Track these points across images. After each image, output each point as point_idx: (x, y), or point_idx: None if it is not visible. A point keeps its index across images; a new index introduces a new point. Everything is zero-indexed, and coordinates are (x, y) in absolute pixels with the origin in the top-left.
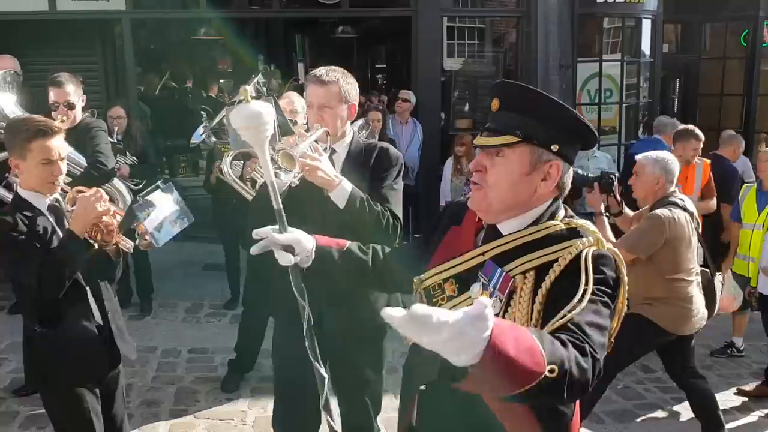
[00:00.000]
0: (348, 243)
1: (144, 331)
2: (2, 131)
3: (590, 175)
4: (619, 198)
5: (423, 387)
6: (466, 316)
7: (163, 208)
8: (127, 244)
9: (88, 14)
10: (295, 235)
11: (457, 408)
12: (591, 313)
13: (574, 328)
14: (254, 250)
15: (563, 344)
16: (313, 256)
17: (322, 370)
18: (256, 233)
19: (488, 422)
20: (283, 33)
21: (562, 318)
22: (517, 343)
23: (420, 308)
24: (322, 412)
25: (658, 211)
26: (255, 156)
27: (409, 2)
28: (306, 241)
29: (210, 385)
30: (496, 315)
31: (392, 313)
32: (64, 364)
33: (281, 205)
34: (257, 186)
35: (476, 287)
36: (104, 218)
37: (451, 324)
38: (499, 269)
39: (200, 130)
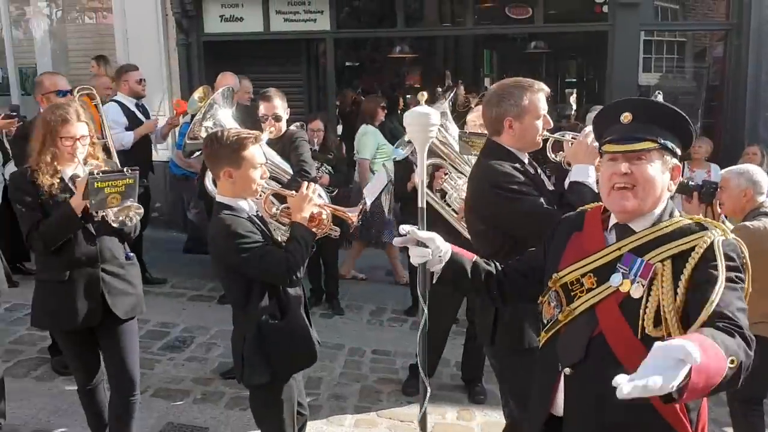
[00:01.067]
0: (475, 256)
1: (333, 330)
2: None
3: (691, 183)
4: (718, 210)
5: (568, 371)
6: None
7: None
8: (335, 233)
9: (297, 34)
10: (433, 235)
11: (610, 389)
12: (736, 298)
13: (729, 314)
14: (397, 241)
15: (729, 334)
16: (446, 259)
17: (427, 382)
18: (402, 228)
19: (641, 402)
20: (473, 48)
21: (711, 305)
22: (707, 352)
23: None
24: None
25: (747, 222)
26: (442, 167)
27: (606, 16)
28: (441, 243)
29: (392, 386)
30: (639, 298)
31: (625, 389)
32: (290, 354)
33: (425, 204)
34: (447, 197)
35: (617, 277)
36: (315, 211)
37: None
38: (639, 259)
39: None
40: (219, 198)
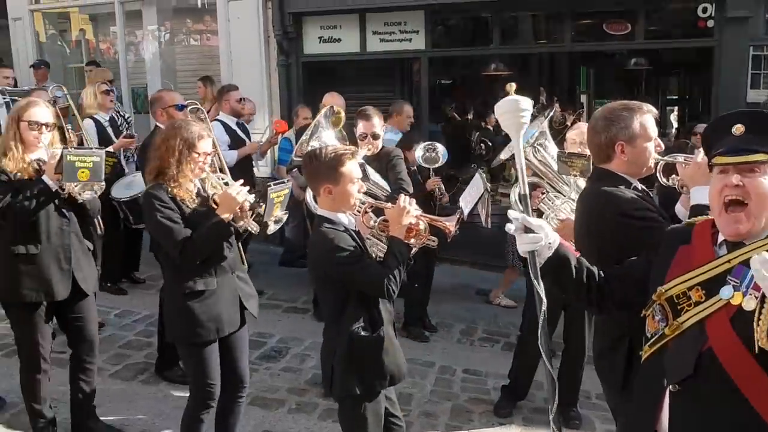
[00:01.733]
0: (579, 254)
1: (423, 347)
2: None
3: None
4: None
5: (674, 387)
6: None
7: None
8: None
9: (392, 54)
10: (542, 222)
11: (721, 405)
12: None
13: None
14: (509, 227)
15: None
16: (555, 247)
17: (554, 374)
18: (511, 214)
19: (755, 418)
20: (568, 65)
21: None
22: None
23: None
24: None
25: None
26: (540, 186)
27: (711, 31)
28: (551, 231)
29: (483, 406)
30: (752, 310)
31: None
32: (381, 368)
33: (527, 191)
34: (544, 217)
35: (727, 290)
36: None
37: None
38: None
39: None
40: (320, 212)
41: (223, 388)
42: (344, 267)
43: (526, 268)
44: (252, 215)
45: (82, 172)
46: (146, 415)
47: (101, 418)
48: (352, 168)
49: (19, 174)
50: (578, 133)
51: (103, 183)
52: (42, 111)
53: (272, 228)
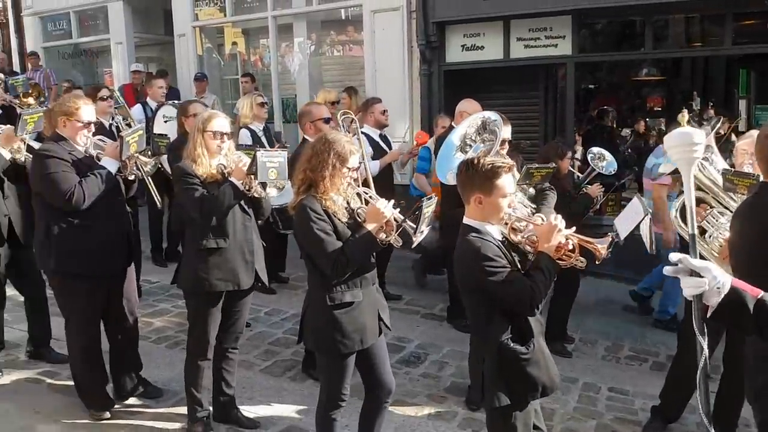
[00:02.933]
0: (761, 292)
1: (566, 363)
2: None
3: None
4: None
5: None
6: None
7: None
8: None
9: (537, 60)
10: (709, 264)
11: None
12: None
13: None
14: (667, 270)
15: None
16: (725, 291)
17: (710, 399)
18: (672, 257)
19: None
20: (725, 68)
21: None
22: None
23: None
24: None
25: None
26: (704, 202)
27: None
28: (719, 273)
29: (631, 427)
30: None
31: None
32: (531, 379)
33: (696, 231)
34: (706, 235)
35: None
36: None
37: None
38: None
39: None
40: (467, 220)
41: (369, 394)
42: (490, 277)
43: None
44: (397, 230)
45: (272, 171)
46: (292, 410)
47: (251, 411)
48: (506, 182)
49: (207, 178)
50: (749, 143)
51: (286, 180)
52: (223, 122)
53: (417, 241)
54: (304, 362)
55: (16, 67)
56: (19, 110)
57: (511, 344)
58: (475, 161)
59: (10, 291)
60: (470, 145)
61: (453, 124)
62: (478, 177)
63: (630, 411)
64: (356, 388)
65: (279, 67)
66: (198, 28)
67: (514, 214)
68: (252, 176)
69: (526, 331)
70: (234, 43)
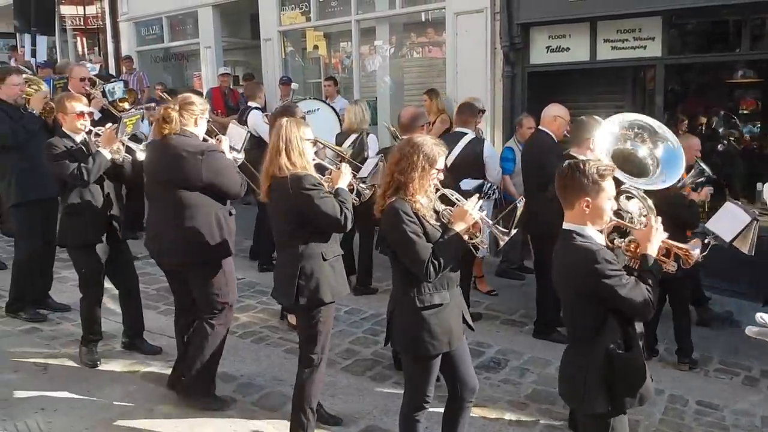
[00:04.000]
0: None
1: (652, 373)
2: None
3: None
4: None
5: None
6: None
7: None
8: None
9: (624, 62)
10: None
11: None
12: None
13: None
14: (750, 330)
15: None
16: None
17: None
18: (760, 317)
19: None
20: None
21: None
22: None
23: None
24: None
25: None
26: None
27: None
28: None
29: None
30: None
31: None
32: (633, 387)
33: None
34: None
35: None
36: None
37: None
38: None
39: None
40: (567, 225)
41: (453, 395)
42: (610, 281)
43: None
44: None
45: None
46: (373, 409)
47: (333, 408)
48: (611, 185)
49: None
50: None
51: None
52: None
53: (503, 244)
54: (396, 362)
55: (112, 70)
56: (118, 114)
57: (619, 351)
58: (581, 165)
59: (107, 284)
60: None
61: (540, 127)
62: (586, 180)
63: (721, 426)
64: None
65: (360, 69)
66: (283, 32)
67: (614, 219)
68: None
69: (633, 337)
70: (315, 47)
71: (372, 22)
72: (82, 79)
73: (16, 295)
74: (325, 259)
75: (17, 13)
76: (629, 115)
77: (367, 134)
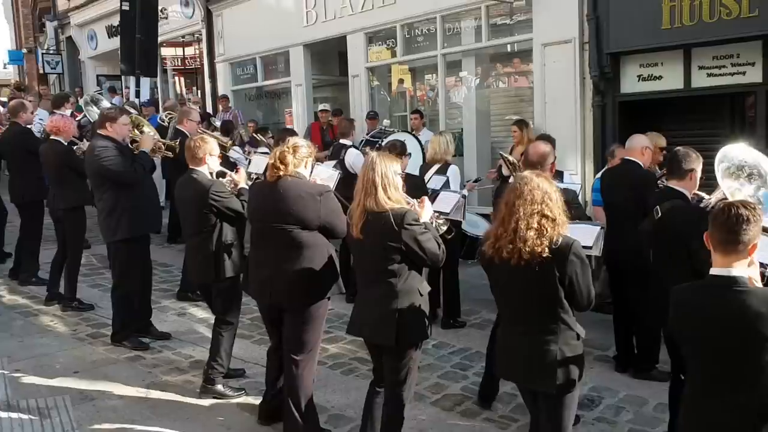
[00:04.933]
0: None
1: None
2: None
3: None
4: None
5: None
6: None
7: None
8: None
9: (721, 89)
10: None
11: None
12: None
13: None
14: None
15: None
16: None
17: None
18: None
19: None
20: None
21: None
22: None
23: None
24: None
25: None
26: None
27: None
28: None
29: None
30: None
31: None
32: None
33: None
34: None
35: None
36: None
37: None
38: None
39: None
40: (730, 272)
41: None
42: None
43: None
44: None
45: None
46: None
47: None
48: None
49: None
50: None
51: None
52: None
53: None
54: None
55: (209, 109)
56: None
57: None
58: (752, 209)
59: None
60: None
61: (628, 158)
62: (756, 226)
63: None
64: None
65: (446, 101)
66: (370, 68)
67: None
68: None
69: None
70: (401, 80)
71: (458, 56)
72: (198, 122)
73: (121, 325)
74: (421, 295)
75: (123, 57)
76: (738, 148)
77: (449, 165)
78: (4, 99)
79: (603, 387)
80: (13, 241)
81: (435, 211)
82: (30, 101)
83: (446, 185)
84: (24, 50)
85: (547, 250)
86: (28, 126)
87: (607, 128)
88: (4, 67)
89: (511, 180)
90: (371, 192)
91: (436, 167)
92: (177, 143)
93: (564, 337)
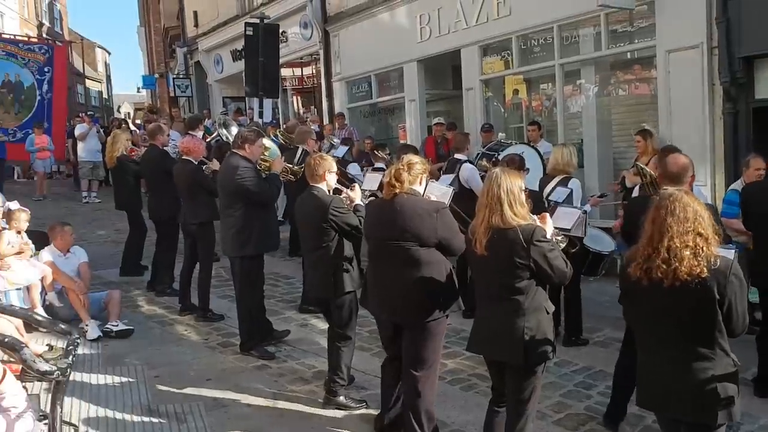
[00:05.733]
0: None
1: None
2: None
3: None
4: None
5: None
6: None
7: None
8: None
9: None
10: None
11: None
12: None
13: None
14: None
15: None
16: None
17: None
18: None
19: None
20: None
21: None
22: None
23: None
24: None
25: None
26: None
27: None
28: None
29: None
30: None
31: None
32: None
33: None
34: None
35: None
36: None
37: None
38: None
39: None
40: None
41: None
42: None
43: None
44: None
45: None
46: None
47: None
48: None
49: None
50: None
51: None
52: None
53: None
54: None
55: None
56: None
57: None
58: None
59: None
60: None
61: None
62: None
63: None
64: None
65: (563, 111)
66: (484, 80)
67: None
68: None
69: None
70: (515, 91)
71: (576, 65)
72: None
73: (248, 335)
74: (547, 313)
75: (248, 80)
76: None
77: (570, 178)
78: (139, 122)
79: (743, 413)
80: (150, 255)
81: (555, 228)
82: (164, 123)
83: (569, 198)
84: (156, 75)
85: (705, 270)
86: (165, 148)
87: (740, 137)
88: (138, 91)
89: (635, 192)
90: (497, 208)
91: (557, 179)
92: (301, 168)
93: (722, 364)
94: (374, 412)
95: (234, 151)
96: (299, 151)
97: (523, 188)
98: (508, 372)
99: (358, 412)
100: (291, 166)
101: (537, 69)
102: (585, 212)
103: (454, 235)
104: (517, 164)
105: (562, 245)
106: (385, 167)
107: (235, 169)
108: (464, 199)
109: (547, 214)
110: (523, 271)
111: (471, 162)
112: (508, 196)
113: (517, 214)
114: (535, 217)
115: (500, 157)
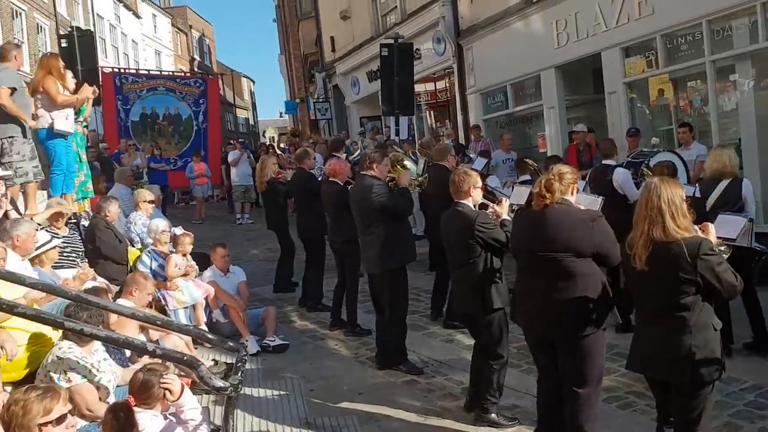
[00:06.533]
0: None
1: None
2: None
3: None
4: None
5: None
6: None
7: None
8: None
9: None
10: None
11: None
12: None
13: None
14: None
15: None
16: None
17: None
18: None
19: None
20: None
21: None
22: None
23: None
24: None
25: None
26: None
27: None
28: None
29: None
30: None
31: None
32: None
33: None
34: None
35: None
36: None
37: None
38: None
39: None
40: None
41: None
42: None
43: None
44: None
45: None
46: None
47: None
48: None
49: None
50: None
51: None
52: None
53: None
54: None
55: (461, 140)
56: None
57: None
58: None
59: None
60: None
61: None
62: None
63: None
64: None
65: (717, 111)
66: (628, 83)
67: None
68: None
69: None
70: (660, 92)
71: (729, 60)
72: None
73: (396, 349)
74: (715, 329)
75: (384, 99)
76: None
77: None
78: (284, 145)
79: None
80: (300, 272)
81: (719, 237)
82: (308, 147)
83: (741, 209)
84: (297, 100)
85: None
86: (311, 171)
87: None
88: (281, 116)
89: None
90: (657, 221)
91: (726, 182)
92: (425, 178)
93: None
94: (526, 429)
95: (363, 173)
96: (421, 162)
97: (685, 198)
98: (674, 392)
99: (509, 429)
100: (415, 178)
101: (685, 68)
102: (751, 220)
103: (612, 244)
104: (668, 173)
105: (725, 256)
106: (530, 179)
107: (369, 188)
108: (616, 206)
109: (710, 224)
110: (688, 287)
111: (622, 166)
112: (669, 207)
113: (680, 226)
114: (696, 227)
115: (650, 166)
